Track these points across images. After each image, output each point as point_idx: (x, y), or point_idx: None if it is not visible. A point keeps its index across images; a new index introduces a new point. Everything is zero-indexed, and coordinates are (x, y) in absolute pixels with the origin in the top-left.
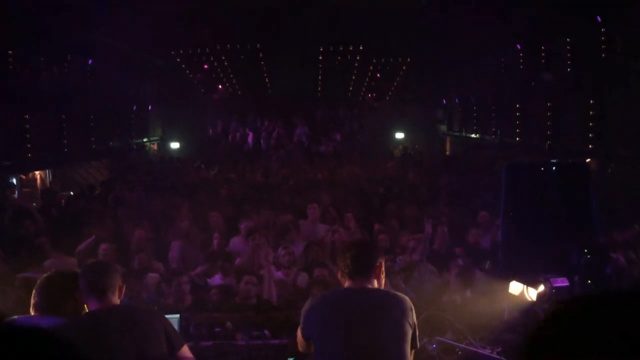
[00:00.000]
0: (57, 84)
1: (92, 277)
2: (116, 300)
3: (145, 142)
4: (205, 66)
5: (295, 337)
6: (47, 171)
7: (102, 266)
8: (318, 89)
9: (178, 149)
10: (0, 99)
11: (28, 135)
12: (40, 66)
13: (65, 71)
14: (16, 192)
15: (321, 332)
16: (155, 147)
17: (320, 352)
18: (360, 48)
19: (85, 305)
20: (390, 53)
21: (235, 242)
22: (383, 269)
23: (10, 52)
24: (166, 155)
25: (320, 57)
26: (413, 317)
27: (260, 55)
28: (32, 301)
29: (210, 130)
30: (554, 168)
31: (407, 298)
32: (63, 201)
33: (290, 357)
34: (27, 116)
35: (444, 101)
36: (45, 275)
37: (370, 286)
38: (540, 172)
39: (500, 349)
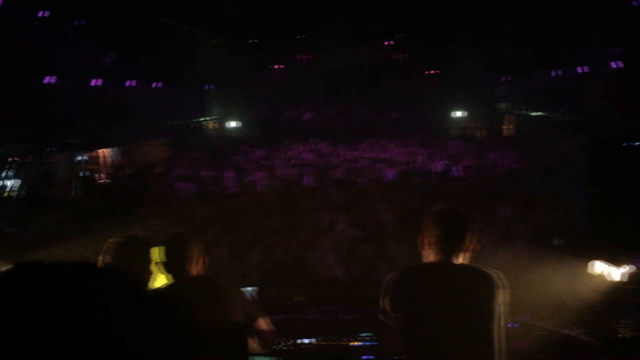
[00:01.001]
0: (121, 65)
1: (173, 248)
2: (195, 271)
3: (204, 121)
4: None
5: (367, 313)
6: (112, 149)
7: (182, 238)
8: (375, 67)
9: (236, 127)
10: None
11: (95, 115)
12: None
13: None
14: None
15: (412, 307)
16: (213, 125)
17: (409, 329)
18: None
19: (168, 276)
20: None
21: None
22: (475, 243)
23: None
24: (224, 134)
25: (376, 35)
26: (503, 296)
27: (317, 33)
28: (99, 261)
29: (266, 110)
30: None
31: (497, 276)
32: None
33: (363, 332)
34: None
35: (504, 79)
36: (117, 238)
37: (457, 262)
38: (628, 148)
39: (580, 330)
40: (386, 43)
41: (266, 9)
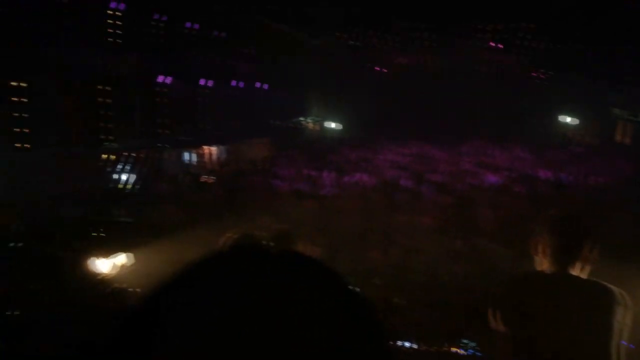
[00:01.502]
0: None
1: (280, 244)
2: None
3: (304, 121)
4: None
5: (470, 320)
6: (218, 147)
7: (289, 234)
8: (476, 68)
9: (336, 128)
10: (179, 80)
11: (202, 114)
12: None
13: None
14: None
15: (526, 321)
16: (314, 126)
17: (522, 343)
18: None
19: None
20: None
21: None
22: (595, 254)
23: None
24: (325, 134)
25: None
26: (624, 314)
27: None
28: None
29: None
30: None
31: (620, 293)
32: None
33: (465, 340)
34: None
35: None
36: (232, 234)
37: (574, 272)
38: None
39: None
40: (492, 44)
41: (367, 11)
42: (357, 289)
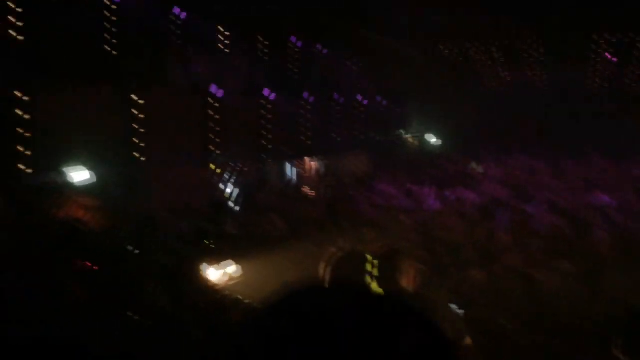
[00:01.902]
0: (327, 79)
1: (387, 261)
2: (408, 285)
3: (405, 135)
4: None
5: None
6: (318, 160)
7: (397, 252)
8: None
9: (437, 143)
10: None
11: (304, 127)
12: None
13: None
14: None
15: None
16: (413, 140)
17: None
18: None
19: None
20: None
21: None
22: None
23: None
24: (426, 149)
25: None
26: None
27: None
28: (321, 269)
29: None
30: None
31: None
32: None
33: None
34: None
35: None
36: (338, 251)
37: None
38: None
39: None
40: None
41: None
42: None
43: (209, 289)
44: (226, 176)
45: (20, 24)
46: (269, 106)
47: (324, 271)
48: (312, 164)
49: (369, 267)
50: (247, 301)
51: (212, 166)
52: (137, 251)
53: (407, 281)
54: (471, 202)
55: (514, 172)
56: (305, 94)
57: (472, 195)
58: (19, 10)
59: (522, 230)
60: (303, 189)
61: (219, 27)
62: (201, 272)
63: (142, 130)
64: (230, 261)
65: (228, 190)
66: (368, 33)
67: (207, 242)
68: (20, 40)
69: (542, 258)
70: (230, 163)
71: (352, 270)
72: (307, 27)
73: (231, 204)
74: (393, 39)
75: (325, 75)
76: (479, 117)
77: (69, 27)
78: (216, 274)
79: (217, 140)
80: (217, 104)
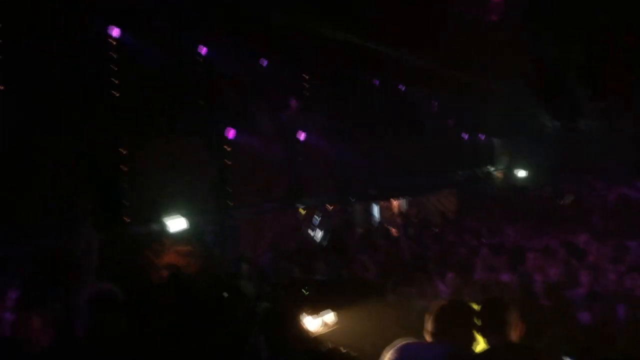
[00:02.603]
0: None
1: (492, 312)
2: (514, 337)
3: (492, 170)
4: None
5: None
6: (403, 199)
7: (502, 302)
8: None
9: (525, 177)
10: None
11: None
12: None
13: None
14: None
15: None
16: (501, 175)
17: None
18: None
19: (485, 340)
20: None
21: None
22: None
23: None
24: (513, 183)
25: None
26: None
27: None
28: (428, 328)
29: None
30: None
31: None
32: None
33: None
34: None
35: None
36: (441, 303)
37: None
38: None
39: None
40: None
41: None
42: None
43: (308, 338)
44: (314, 219)
45: (116, 80)
46: (353, 147)
47: (430, 321)
48: (399, 203)
49: (473, 318)
50: (344, 350)
51: (301, 210)
52: (232, 297)
53: (513, 332)
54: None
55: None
56: (389, 132)
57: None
58: (115, 67)
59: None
60: (391, 230)
61: (303, 74)
62: (300, 321)
63: (232, 177)
64: (327, 309)
65: (316, 234)
66: (452, 70)
67: (302, 289)
68: (117, 95)
69: None
70: (317, 206)
71: (456, 322)
72: (389, 64)
73: (320, 247)
74: (478, 75)
75: (409, 113)
76: (569, 151)
77: (163, 81)
78: (314, 322)
79: (304, 183)
80: (302, 148)
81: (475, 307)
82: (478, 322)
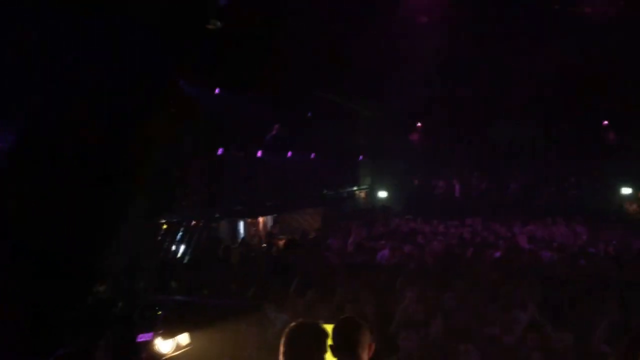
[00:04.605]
0: (280, 137)
1: (344, 332)
2: (366, 357)
3: (355, 190)
4: (419, 124)
5: None
6: (269, 217)
7: (355, 322)
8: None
9: (386, 197)
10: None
11: (256, 184)
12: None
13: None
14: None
15: None
16: (363, 195)
17: None
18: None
19: None
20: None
21: None
22: None
23: None
24: (375, 204)
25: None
26: None
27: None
28: (280, 349)
29: (416, 181)
30: None
31: None
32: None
33: None
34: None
35: None
36: (292, 325)
37: None
38: None
39: None
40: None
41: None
42: None
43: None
44: (176, 235)
45: None
46: (220, 163)
47: (282, 345)
48: (265, 221)
49: (324, 339)
50: None
51: (162, 225)
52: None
53: (364, 352)
54: (422, 258)
55: (459, 228)
56: (259, 152)
57: (421, 251)
58: None
59: (471, 285)
60: (256, 247)
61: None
62: (151, 343)
63: None
64: (179, 330)
65: (178, 250)
66: (320, 91)
67: (156, 311)
68: None
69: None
70: (180, 222)
71: (306, 343)
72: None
73: (181, 265)
74: (344, 98)
75: (278, 133)
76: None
77: None
78: (166, 344)
79: (166, 198)
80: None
81: (328, 327)
82: (330, 342)
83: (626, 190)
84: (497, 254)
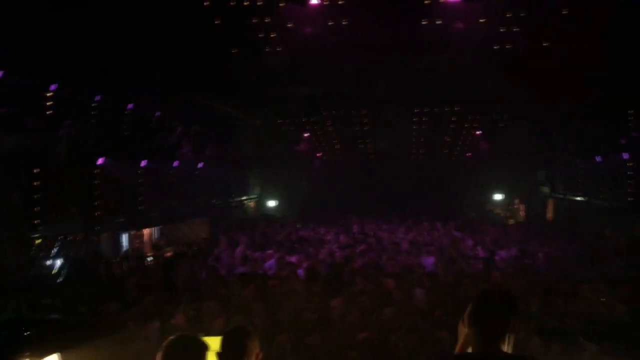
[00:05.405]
0: (167, 148)
1: (232, 341)
2: None
3: (244, 200)
4: (305, 134)
5: None
6: (155, 228)
7: (243, 331)
8: (414, 151)
9: (275, 207)
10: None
11: (140, 195)
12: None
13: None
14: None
15: None
16: (253, 204)
17: None
18: (456, 109)
19: None
20: (490, 111)
21: None
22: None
23: None
24: (264, 212)
25: (416, 118)
26: None
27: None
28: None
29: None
30: None
31: None
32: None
33: None
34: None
35: (547, 162)
36: (171, 339)
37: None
38: None
39: None
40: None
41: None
42: None
43: None
44: (53, 250)
45: None
46: (101, 173)
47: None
48: (150, 233)
49: (203, 352)
50: None
51: (37, 239)
52: None
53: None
54: (308, 266)
55: (346, 234)
56: (142, 162)
57: (308, 258)
58: None
59: (353, 291)
60: (139, 261)
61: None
62: None
63: None
64: (51, 352)
65: (56, 265)
66: (207, 100)
67: (25, 331)
68: None
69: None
70: (58, 235)
71: (184, 356)
72: (146, 92)
73: (59, 281)
74: (232, 107)
75: (163, 142)
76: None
77: None
78: None
79: (41, 210)
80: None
81: (211, 340)
82: (213, 354)
83: (497, 197)
84: (383, 259)
